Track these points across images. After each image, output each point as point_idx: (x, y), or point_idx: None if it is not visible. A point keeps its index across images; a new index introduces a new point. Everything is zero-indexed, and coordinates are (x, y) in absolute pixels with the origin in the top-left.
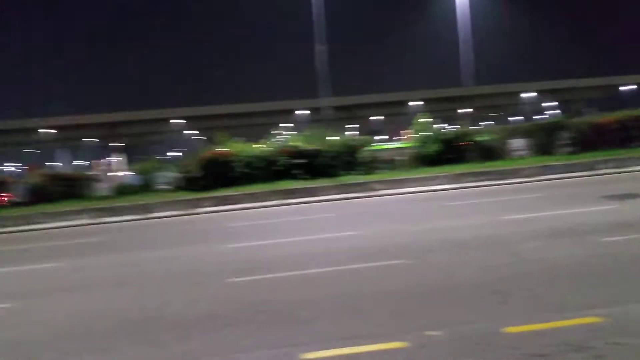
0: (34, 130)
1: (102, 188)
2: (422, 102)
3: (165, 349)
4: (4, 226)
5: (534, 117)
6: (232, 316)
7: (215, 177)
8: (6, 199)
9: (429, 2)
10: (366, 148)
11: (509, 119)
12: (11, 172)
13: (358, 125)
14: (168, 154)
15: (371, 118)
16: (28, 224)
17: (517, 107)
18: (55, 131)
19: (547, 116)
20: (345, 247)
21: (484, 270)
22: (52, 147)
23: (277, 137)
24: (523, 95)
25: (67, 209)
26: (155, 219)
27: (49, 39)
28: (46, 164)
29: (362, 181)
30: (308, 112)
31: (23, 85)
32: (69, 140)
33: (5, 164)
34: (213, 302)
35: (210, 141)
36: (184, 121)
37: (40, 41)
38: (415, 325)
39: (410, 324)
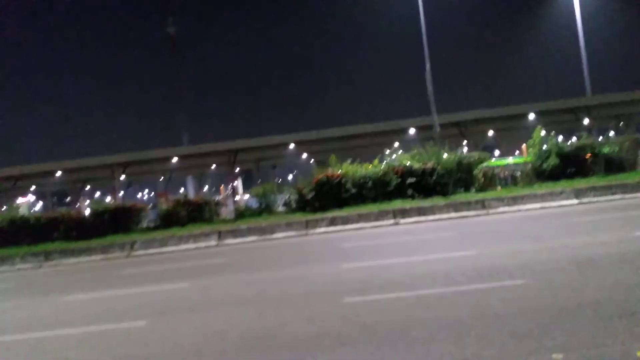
0: (164, 159)
1: (225, 212)
2: (537, 115)
3: None
4: (145, 249)
5: None
6: (347, 336)
7: (327, 199)
8: None
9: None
10: (483, 165)
11: None
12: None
13: (471, 142)
14: (285, 177)
15: (488, 133)
16: (161, 246)
17: None
18: (182, 159)
19: None
20: (463, 267)
21: (614, 290)
22: (179, 175)
23: (389, 156)
24: None
25: (195, 232)
26: (273, 240)
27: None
28: (178, 190)
29: (478, 199)
30: (419, 130)
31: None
32: (194, 168)
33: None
34: (329, 322)
35: (323, 163)
36: (299, 145)
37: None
38: (540, 347)
39: (534, 346)
